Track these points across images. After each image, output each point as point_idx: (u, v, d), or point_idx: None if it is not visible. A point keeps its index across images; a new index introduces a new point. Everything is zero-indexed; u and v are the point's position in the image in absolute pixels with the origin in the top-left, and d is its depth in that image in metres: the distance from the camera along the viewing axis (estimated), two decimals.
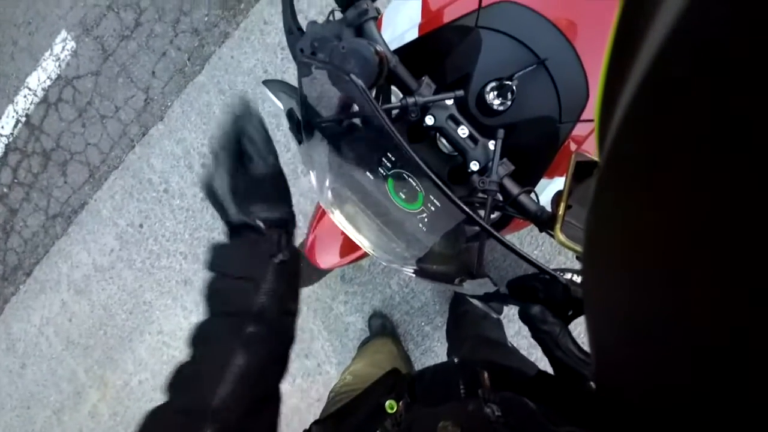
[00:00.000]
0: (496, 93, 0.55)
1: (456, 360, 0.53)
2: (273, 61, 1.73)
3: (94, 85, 1.99)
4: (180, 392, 0.38)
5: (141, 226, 1.98)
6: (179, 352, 1.97)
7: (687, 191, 0.11)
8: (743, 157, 0.09)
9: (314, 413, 1.47)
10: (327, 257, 0.92)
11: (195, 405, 0.36)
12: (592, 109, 0.57)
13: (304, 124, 0.55)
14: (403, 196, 0.55)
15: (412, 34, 0.61)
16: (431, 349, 1.65)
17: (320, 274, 1.30)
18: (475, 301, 0.56)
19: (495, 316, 1.15)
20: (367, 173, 0.55)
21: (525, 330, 0.44)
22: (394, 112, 0.50)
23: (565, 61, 0.55)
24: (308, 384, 1.75)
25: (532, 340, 0.44)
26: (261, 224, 0.43)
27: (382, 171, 0.55)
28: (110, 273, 2.04)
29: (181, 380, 0.39)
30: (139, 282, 1.99)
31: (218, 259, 0.43)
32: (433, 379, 0.48)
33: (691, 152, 0.11)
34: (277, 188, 0.46)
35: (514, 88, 0.54)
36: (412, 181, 0.55)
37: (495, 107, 0.55)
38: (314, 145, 0.57)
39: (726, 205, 0.10)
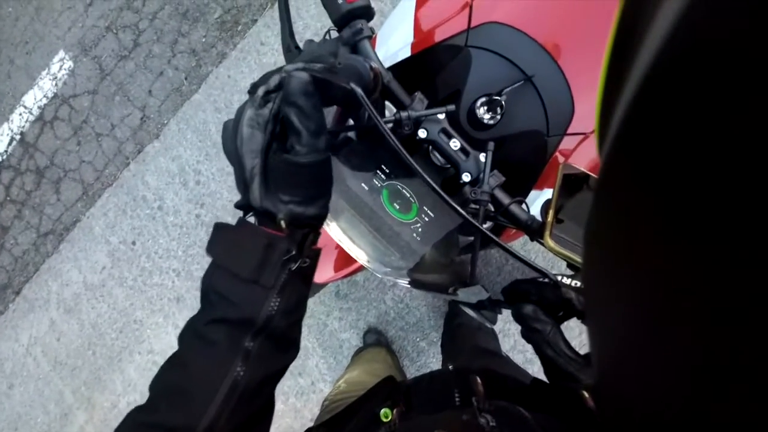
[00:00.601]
0: (486, 108, 0.58)
1: (451, 368, 0.52)
2: None
3: (90, 104, 2.01)
4: (167, 406, 0.35)
5: (134, 243, 1.96)
6: None
7: (689, 191, 0.11)
8: (746, 157, 0.09)
9: None
10: (321, 271, 0.92)
11: (182, 424, 0.33)
12: (579, 123, 0.59)
13: None
14: (398, 207, 0.57)
15: (405, 53, 0.64)
16: (427, 365, 1.63)
17: (315, 289, 1.30)
18: (469, 310, 0.57)
19: (489, 326, 1.15)
20: (362, 185, 0.57)
21: (520, 345, 0.45)
22: (389, 125, 0.51)
23: (550, 77, 0.58)
24: (302, 403, 1.72)
25: (528, 355, 0.44)
26: (284, 224, 0.37)
27: (376, 182, 0.56)
28: (101, 291, 2.01)
29: (170, 390, 0.36)
30: (130, 300, 1.96)
31: (225, 246, 0.38)
32: (429, 388, 0.47)
33: (692, 152, 0.10)
34: (319, 178, 0.39)
35: (503, 103, 0.56)
36: (406, 192, 0.56)
37: (485, 121, 0.57)
38: None
39: (728, 205, 0.10)
